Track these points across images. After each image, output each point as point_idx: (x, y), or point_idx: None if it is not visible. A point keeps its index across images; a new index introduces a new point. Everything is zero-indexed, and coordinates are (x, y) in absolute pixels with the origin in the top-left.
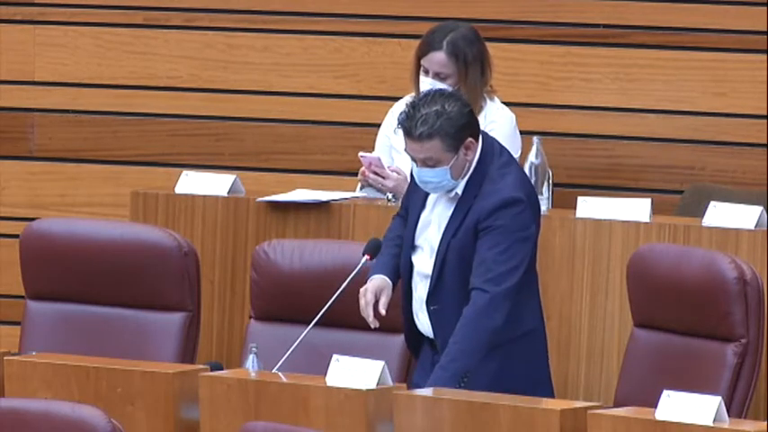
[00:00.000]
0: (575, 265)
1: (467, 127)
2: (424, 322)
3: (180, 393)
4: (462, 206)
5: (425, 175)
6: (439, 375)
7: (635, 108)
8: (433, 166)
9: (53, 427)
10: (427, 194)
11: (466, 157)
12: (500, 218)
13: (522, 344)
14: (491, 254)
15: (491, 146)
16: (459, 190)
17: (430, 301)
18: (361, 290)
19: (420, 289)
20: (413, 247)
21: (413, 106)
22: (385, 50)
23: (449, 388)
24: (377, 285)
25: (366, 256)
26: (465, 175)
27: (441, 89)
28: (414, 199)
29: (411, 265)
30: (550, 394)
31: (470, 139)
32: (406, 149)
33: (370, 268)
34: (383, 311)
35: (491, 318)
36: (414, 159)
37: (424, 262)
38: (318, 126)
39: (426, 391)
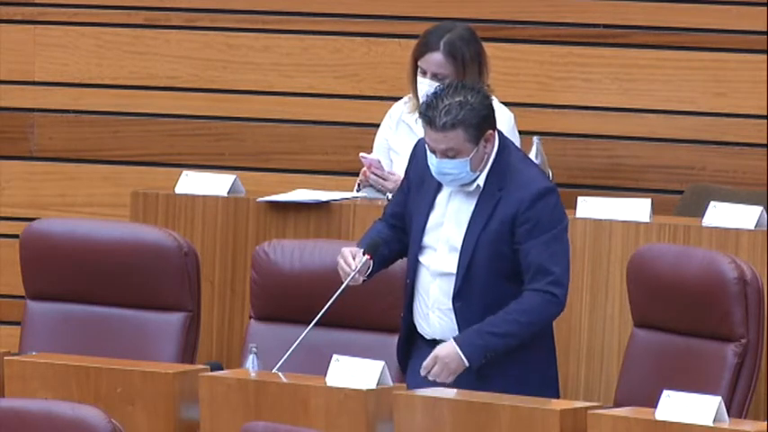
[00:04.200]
0: (574, 266)
1: (488, 119)
2: (434, 323)
3: (180, 393)
4: (487, 198)
5: (444, 167)
6: (471, 340)
7: (635, 108)
8: (453, 157)
9: (53, 427)
10: (435, 195)
11: (485, 150)
12: (541, 210)
13: (540, 342)
14: (545, 257)
15: (505, 140)
16: (481, 182)
17: (456, 297)
18: (342, 251)
19: (434, 289)
20: (420, 249)
21: (435, 96)
22: (385, 50)
23: (474, 353)
24: (355, 249)
25: (366, 256)
26: (484, 167)
27: (462, 81)
28: (418, 201)
29: (418, 267)
30: (556, 393)
31: (490, 131)
32: (426, 140)
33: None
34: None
35: (550, 313)
36: (433, 151)
37: (440, 260)
38: (318, 126)
39: (426, 391)
